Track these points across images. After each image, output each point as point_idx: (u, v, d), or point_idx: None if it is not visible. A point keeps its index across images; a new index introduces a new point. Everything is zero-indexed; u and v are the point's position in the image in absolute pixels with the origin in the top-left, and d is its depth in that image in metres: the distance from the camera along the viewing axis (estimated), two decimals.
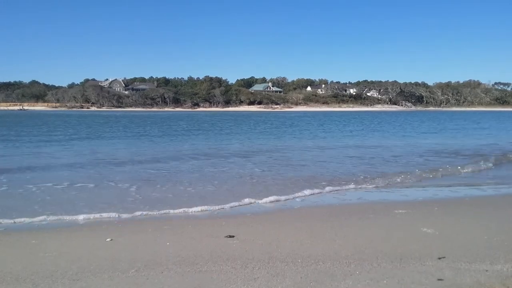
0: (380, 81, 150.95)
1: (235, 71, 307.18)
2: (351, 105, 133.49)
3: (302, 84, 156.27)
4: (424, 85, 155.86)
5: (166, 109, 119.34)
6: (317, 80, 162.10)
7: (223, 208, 8.25)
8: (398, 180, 11.53)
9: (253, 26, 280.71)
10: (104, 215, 7.67)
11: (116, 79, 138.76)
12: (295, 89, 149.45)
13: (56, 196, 9.38)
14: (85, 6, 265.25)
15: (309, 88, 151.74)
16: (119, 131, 33.57)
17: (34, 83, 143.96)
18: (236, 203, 8.61)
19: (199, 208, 8.14)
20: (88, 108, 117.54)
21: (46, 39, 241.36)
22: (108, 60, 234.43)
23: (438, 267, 4.70)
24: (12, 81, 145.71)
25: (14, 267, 4.81)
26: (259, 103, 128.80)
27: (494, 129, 39.41)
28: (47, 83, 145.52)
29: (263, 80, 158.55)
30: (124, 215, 7.67)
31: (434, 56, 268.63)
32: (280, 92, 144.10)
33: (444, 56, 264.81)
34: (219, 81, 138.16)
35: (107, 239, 6.00)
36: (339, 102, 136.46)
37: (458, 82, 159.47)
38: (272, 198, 9.07)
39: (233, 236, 6.02)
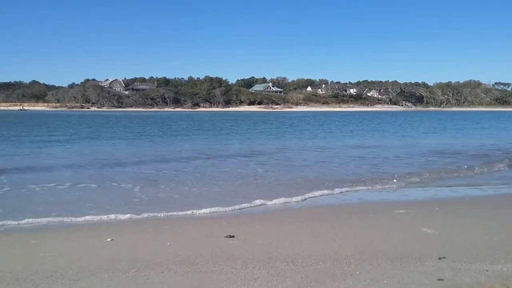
0: (380, 81, 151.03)
1: (235, 71, 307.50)
2: (351, 105, 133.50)
3: (302, 84, 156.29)
4: (424, 85, 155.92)
5: (166, 109, 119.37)
6: (317, 80, 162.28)
7: (233, 210, 8.12)
8: (417, 180, 11.39)
9: (253, 26, 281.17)
10: (112, 216, 7.52)
11: (116, 79, 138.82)
12: (295, 89, 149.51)
13: (60, 197, 9.30)
14: (85, 6, 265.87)
15: (309, 88, 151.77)
16: (120, 131, 33.57)
17: (34, 83, 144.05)
18: (247, 204, 8.47)
19: (208, 210, 7.97)
20: (88, 108, 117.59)
21: (46, 39, 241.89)
22: (108, 60, 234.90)
23: (438, 267, 4.69)
24: (12, 81, 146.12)
25: (14, 267, 4.81)
26: (259, 103, 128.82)
27: (494, 129, 39.41)
28: (47, 83, 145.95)
29: (263, 80, 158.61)
30: (135, 217, 7.54)
31: (434, 56, 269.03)
32: (280, 92, 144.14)
33: (444, 56, 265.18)
34: (219, 81, 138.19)
35: (107, 239, 6.00)
36: (339, 102, 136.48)
37: (458, 82, 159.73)
38: (282, 199, 8.92)
39: (233, 236, 6.02)
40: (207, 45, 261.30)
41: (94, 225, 7.11)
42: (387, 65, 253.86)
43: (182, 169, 13.54)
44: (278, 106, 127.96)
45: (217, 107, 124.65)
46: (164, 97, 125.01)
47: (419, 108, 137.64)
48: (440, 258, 4.96)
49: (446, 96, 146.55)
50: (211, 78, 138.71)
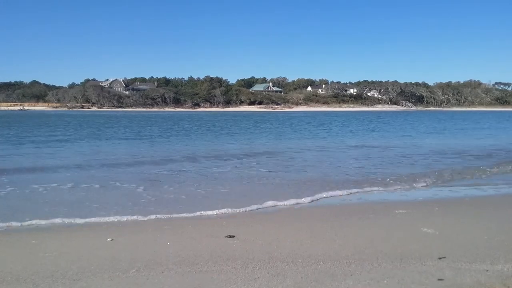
0: (381, 81, 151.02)
1: (235, 71, 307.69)
2: (352, 105, 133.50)
3: (302, 84, 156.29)
4: (425, 85, 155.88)
5: (166, 109, 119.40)
6: (317, 80, 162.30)
7: (245, 211, 8.03)
8: (424, 183, 11.12)
9: (253, 26, 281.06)
10: (124, 218, 7.41)
11: (116, 79, 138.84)
12: (295, 89, 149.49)
13: (64, 197, 9.24)
14: (85, 6, 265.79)
15: (309, 88, 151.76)
16: (120, 131, 33.58)
17: (34, 83, 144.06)
18: (259, 206, 8.37)
19: (218, 211, 7.86)
20: (88, 108, 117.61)
21: (46, 39, 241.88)
22: (108, 60, 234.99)
23: (439, 267, 4.69)
24: (12, 81, 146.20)
25: (14, 267, 4.81)
26: (260, 103, 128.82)
27: (494, 129, 39.42)
28: (47, 83, 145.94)
29: (264, 80, 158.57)
30: (143, 218, 7.47)
31: (434, 56, 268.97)
32: (280, 92, 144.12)
33: (444, 56, 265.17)
34: (219, 81, 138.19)
35: (108, 239, 6.00)
36: (339, 102, 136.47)
37: (458, 82, 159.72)
38: (292, 200, 8.82)
39: (233, 236, 6.02)
40: (207, 45, 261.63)
41: (94, 225, 7.11)
42: (387, 65, 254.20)
43: (184, 170, 13.52)
44: (278, 106, 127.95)
45: (217, 107, 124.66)
46: (164, 97, 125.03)
47: (420, 108, 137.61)
48: (440, 258, 4.96)
49: (446, 96, 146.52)
50: (211, 78, 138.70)
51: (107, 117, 66.92)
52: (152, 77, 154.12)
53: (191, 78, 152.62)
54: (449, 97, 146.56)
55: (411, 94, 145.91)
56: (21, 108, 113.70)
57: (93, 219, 7.36)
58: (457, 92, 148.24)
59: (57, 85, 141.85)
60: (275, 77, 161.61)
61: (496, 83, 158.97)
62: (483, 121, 57.30)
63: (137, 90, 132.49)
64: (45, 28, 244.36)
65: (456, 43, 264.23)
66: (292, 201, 8.80)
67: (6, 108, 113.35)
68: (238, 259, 5.01)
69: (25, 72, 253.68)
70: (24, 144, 22.21)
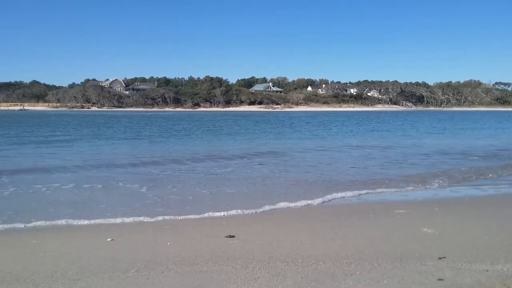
0: (381, 81, 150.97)
1: (235, 71, 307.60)
2: (352, 105, 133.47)
3: (302, 84, 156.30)
4: (425, 85, 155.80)
5: (166, 109, 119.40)
6: (317, 80, 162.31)
7: (256, 212, 7.96)
8: (436, 184, 10.99)
9: (253, 26, 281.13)
10: (130, 219, 7.36)
11: (116, 79, 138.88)
12: (295, 89, 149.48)
13: (68, 198, 9.22)
14: (85, 6, 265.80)
15: (309, 88, 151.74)
16: (120, 131, 33.58)
17: (34, 83, 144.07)
18: (272, 206, 8.29)
19: (228, 213, 7.79)
20: (88, 108, 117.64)
21: (46, 39, 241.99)
22: (108, 60, 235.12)
23: (439, 267, 4.69)
24: (12, 81, 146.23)
25: (14, 267, 4.81)
26: (260, 103, 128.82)
27: (494, 129, 39.41)
28: (47, 83, 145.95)
29: (264, 80, 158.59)
30: (150, 220, 7.41)
31: (434, 56, 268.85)
32: (280, 92, 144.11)
33: (444, 56, 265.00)
34: (219, 81, 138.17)
35: (108, 239, 6.00)
36: (339, 102, 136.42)
37: (458, 82, 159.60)
38: (303, 202, 8.72)
39: (233, 236, 6.02)
40: (207, 45, 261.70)
41: (94, 225, 7.11)
42: (387, 65, 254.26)
43: (186, 170, 13.50)
44: (278, 106, 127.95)
45: (217, 107, 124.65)
46: (165, 97, 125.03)
47: (420, 108, 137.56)
48: (440, 258, 4.96)
49: (446, 96, 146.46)
50: (212, 78, 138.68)
51: (107, 117, 66.93)
52: (152, 77, 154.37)
53: (191, 78, 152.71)
54: (449, 97, 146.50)
55: (411, 94, 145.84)
56: (21, 108, 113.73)
57: (98, 221, 7.32)
58: (457, 92, 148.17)
59: (57, 85, 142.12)
60: (275, 77, 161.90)
61: (496, 83, 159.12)
62: (483, 121, 57.28)
63: (137, 90, 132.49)
64: (45, 28, 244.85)
65: (456, 43, 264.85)
66: (303, 202, 8.68)
67: (6, 108, 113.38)
68: (238, 259, 5.01)
69: (25, 72, 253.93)
70: (25, 144, 22.21)
